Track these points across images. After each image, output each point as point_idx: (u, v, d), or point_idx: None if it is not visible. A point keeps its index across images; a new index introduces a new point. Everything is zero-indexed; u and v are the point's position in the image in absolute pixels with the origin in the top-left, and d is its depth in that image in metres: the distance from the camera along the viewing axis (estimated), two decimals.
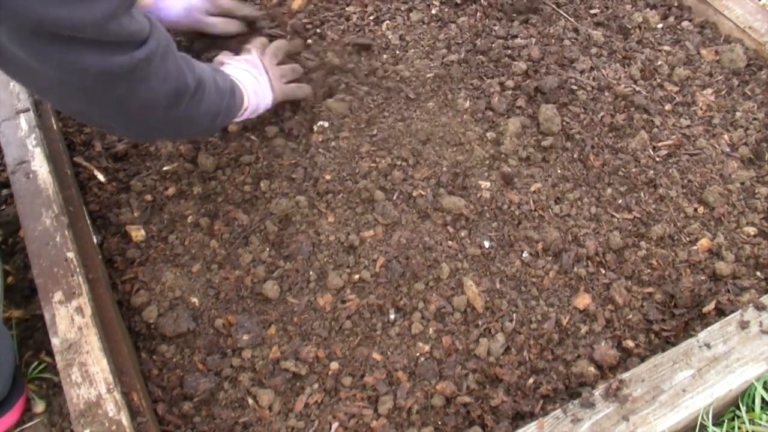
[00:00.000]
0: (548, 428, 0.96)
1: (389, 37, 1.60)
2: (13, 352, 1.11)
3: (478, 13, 1.68)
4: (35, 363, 1.18)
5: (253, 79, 1.25)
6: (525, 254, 1.23)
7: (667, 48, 1.63)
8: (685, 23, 1.70)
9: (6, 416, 1.09)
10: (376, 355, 1.10)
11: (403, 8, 1.67)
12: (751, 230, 1.29)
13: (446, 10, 1.68)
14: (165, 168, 1.33)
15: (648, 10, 1.72)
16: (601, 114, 1.45)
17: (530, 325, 1.14)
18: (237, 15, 1.46)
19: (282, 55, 1.39)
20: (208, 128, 1.16)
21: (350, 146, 1.37)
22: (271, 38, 1.45)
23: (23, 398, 1.12)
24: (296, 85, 1.38)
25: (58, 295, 1.07)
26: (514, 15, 1.68)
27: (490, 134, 1.40)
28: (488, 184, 1.32)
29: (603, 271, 1.22)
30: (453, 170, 1.34)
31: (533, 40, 1.60)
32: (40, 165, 1.25)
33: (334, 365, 1.09)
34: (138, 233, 1.23)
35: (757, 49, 1.61)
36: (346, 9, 1.66)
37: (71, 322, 1.04)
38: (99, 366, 0.99)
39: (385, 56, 1.55)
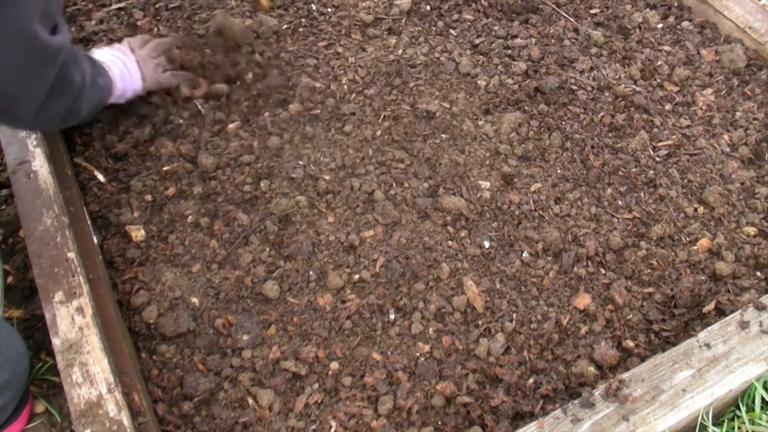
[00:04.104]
0: (548, 428, 0.96)
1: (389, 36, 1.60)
2: (28, 358, 1.11)
3: (478, 13, 1.68)
4: (36, 363, 1.18)
5: (121, 64, 1.30)
6: (525, 254, 1.23)
7: (667, 48, 1.63)
8: (685, 23, 1.70)
9: (16, 423, 1.09)
10: (376, 355, 1.10)
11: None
12: (751, 230, 1.29)
13: (446, 9, 1.68)
14: (165, 168, 1.33)
15: (648, 10, 1.72)
16: (601, 114, 1.45)
17: (530, 325, 1.14)
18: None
19: (162, 50, 1.40)
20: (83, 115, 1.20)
21: (351, 146, 1.37)
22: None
23: (30, 404, 1.12)
24: (171, 72, 1.40)
25: (58, 295, 1.07)
26: (514, 15, 1.68)
27: (490, 134, 1.40)
28: (488, 184, 1.32)
29: (603, 271, 1.22)
30: (453, 170, 1.34)
31: (533, 40, 1.60)
32: (40, 165, 1.25)
33: (334, 365, 1.09)
34: (138, 233, 1.23)
35: (757, 49, 1.61)
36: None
37: (72, 322, 1.04)
38: (100, 366, 0.99)
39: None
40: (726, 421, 1.08)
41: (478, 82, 1.50)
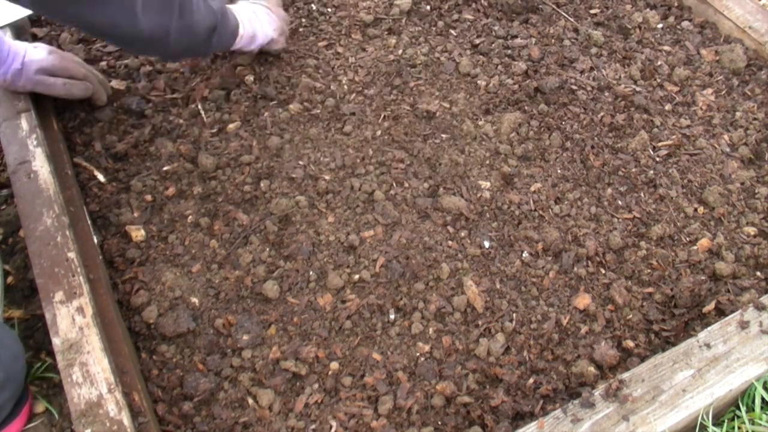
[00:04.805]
0: (548, 428, 0.96)
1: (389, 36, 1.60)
2: (24, 358, 1.11)
3: (478, 13, 1.68)
4: (36, 363, 1.18)
5: (251, 13, 1.38)
6: (525, 254, 1.23)
7: (667, 48, 1.63)
8: (685, 23, 1.70)
9: (14, 422, 1.09)
10: (376, 355, 1.10)
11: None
12: (751, 230, 1.29)
13: (446, 10, 1.68)
14: (165, 168, 1.33)
15: (648, 10, 1.72)
16: (601, 114, 1.45)
17: (530, 325, 1.14)
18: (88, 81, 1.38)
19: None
20: (205, 41, 1.24)
21: (351, 146, 1.37)
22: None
23: (29, 404, 1.12)
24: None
25: (58, 295, 1.07)
26: (514, 15, 1.68)
27: (490, 134, 1.40)
28: (488, 184, 1.32)
29: (603, 271, 1.22)
30: (453, 170, 1.34)
31: (533, 40, 1.60)
32: (40, 165, 1.25)
33: (334, 365, 1.09)
34: (138, 233, 1.23)
35: (757, 49, 1.61)
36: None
37: (72, 322, 1.04)
38: (100, 366, 0.99)
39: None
40: (726, 421, 1.08)
41: (478, 82, 1.51)
